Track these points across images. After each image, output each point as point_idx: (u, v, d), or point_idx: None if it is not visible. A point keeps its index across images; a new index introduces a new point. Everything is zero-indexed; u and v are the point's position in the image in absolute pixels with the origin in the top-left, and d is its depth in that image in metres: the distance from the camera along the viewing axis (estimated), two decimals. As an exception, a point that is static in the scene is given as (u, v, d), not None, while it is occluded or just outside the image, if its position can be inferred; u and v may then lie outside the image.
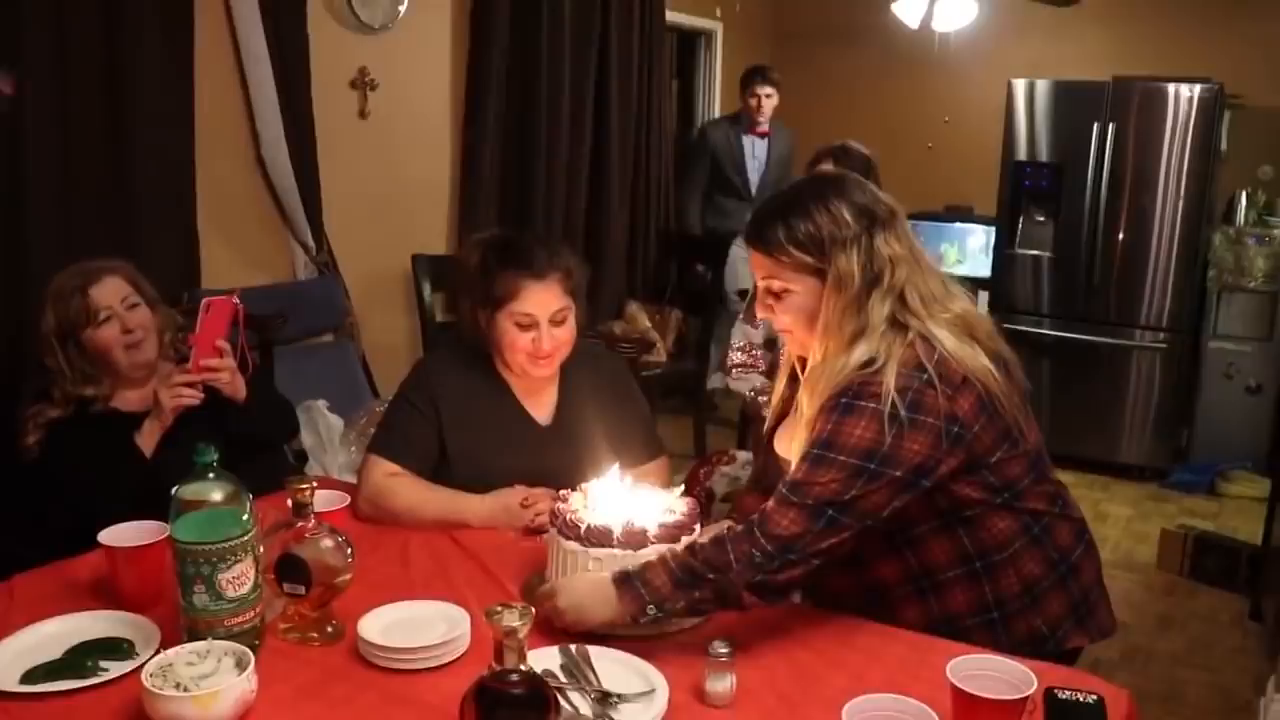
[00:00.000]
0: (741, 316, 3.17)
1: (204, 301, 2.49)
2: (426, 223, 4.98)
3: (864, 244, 1.82)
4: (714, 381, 5.70)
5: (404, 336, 4.87)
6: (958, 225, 6.72)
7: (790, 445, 1.93)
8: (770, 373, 3.08)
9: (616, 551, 1.83)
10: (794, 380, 2.07)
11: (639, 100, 5.92)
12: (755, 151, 6.29)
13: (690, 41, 7.06)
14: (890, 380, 1.75)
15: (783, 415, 2.12)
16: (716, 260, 5.87)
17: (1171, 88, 5.39)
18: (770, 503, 1.77)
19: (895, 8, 5.75)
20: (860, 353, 1.80)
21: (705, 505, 3.56)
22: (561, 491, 2.05)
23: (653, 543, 1.85)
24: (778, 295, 1.89)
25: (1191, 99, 5.35)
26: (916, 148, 6.86)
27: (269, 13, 3.94)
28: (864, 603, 1.95)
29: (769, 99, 6.09)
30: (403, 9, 4.59)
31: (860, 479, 1.73)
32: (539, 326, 2.34)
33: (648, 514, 1.92)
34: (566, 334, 2.39)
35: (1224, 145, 5.71)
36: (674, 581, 1.74)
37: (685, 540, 1.87)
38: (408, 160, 4.82)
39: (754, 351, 3.10)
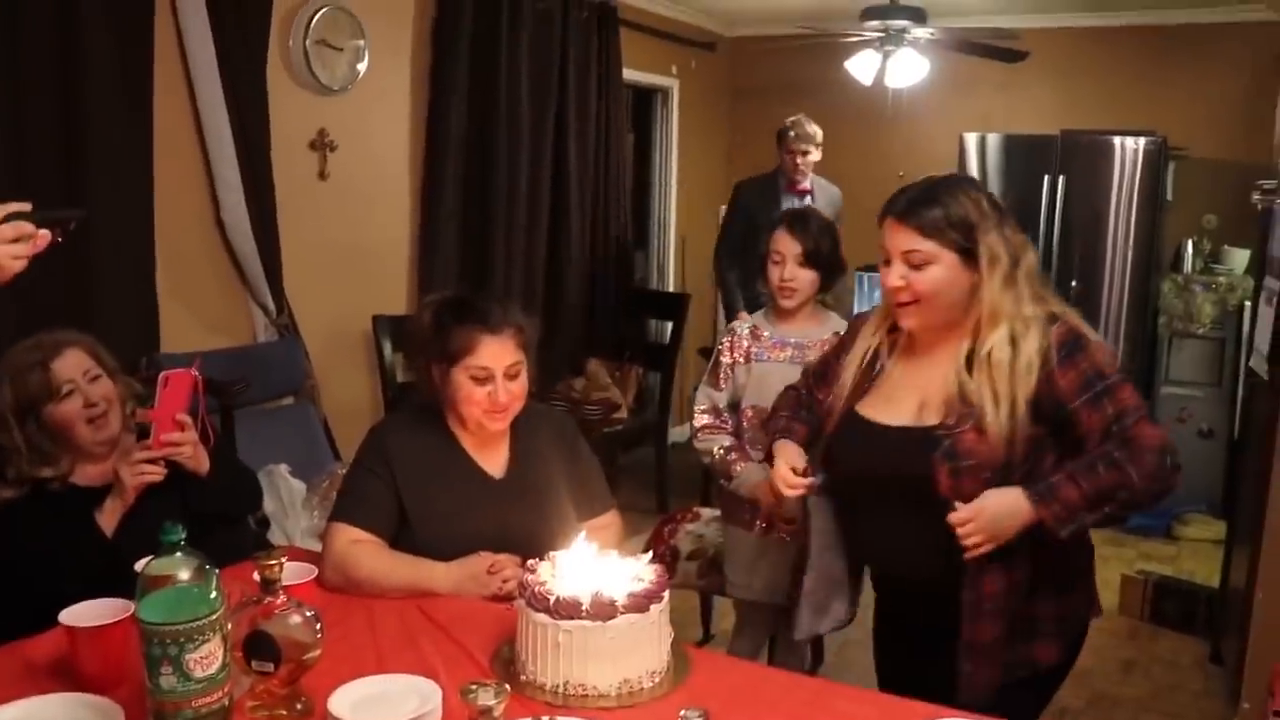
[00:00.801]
0: (705, 380, 3.18)
1: (162, 375, 2.46)
2: (387, 283, 4.99)
3: (999, 226, 2.09)
4: (676, 435, 5.72)
5: (365, 398, 4.85)
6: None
7: (885, 408, 2.19)
8: (737, 433, 3.08)
9: (586, 623, 1.83)
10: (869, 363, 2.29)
11: (597, 157, 5.97)
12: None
13: (647, 98, 7.14)
14: (1078, 323, 2.09)
15: (857, 387, 2.27)
16: (675, 315, 5.92)
17: (1118, 140, 5.52)
18: (1126, 427, 2.00)
19: (849, 65, 5.84)
20: (1033, 311, 2.07)
21: (671, 563, 3.57)
22: (529, 561, 2.05)
23: (622, 613, 1.85)
24: (917, 267, 2.10)
25: (1137, 151, 5.48)
26: (872, 201, 6.91)
27: (228, 75, 3.94)
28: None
29: (806, 156, 5.44)
30: (362, 70, 4.61)
31: (1130, 381, 2.06)
32: (495, 379, 2.38)
33: (616, 583, 1.92)
34: (520, 388, 2.44)
35: (1169, 195, 5.85)
36: (1085, 498, 1.97)
37: (656, 609, 1.88)
38: (368, 221, 4.83)
39: (721, 414, 3.11)
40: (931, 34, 5.68)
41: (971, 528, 2.00)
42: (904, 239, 2.10)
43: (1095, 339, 2.08)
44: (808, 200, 5.44)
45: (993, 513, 2.00)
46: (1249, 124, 5.94)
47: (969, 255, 2.08)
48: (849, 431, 2.23)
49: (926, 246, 2.08)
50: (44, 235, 1.89)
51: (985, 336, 2.07)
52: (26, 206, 1.88)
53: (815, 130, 5.45)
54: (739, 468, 3.01)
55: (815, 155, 5.44)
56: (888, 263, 2.15)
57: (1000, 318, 2.06)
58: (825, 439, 2.29)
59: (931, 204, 2.09)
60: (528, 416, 2.52)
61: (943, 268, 2.08)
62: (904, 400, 2.16)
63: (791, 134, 5.44)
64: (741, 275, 5.52)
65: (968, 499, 2.02)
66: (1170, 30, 6.30)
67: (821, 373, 2.45)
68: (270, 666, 1.73)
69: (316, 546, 3.07)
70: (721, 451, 3.04)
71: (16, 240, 1.85)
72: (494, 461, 2.51)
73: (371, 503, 2.42)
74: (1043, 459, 2.08)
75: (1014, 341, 2.05)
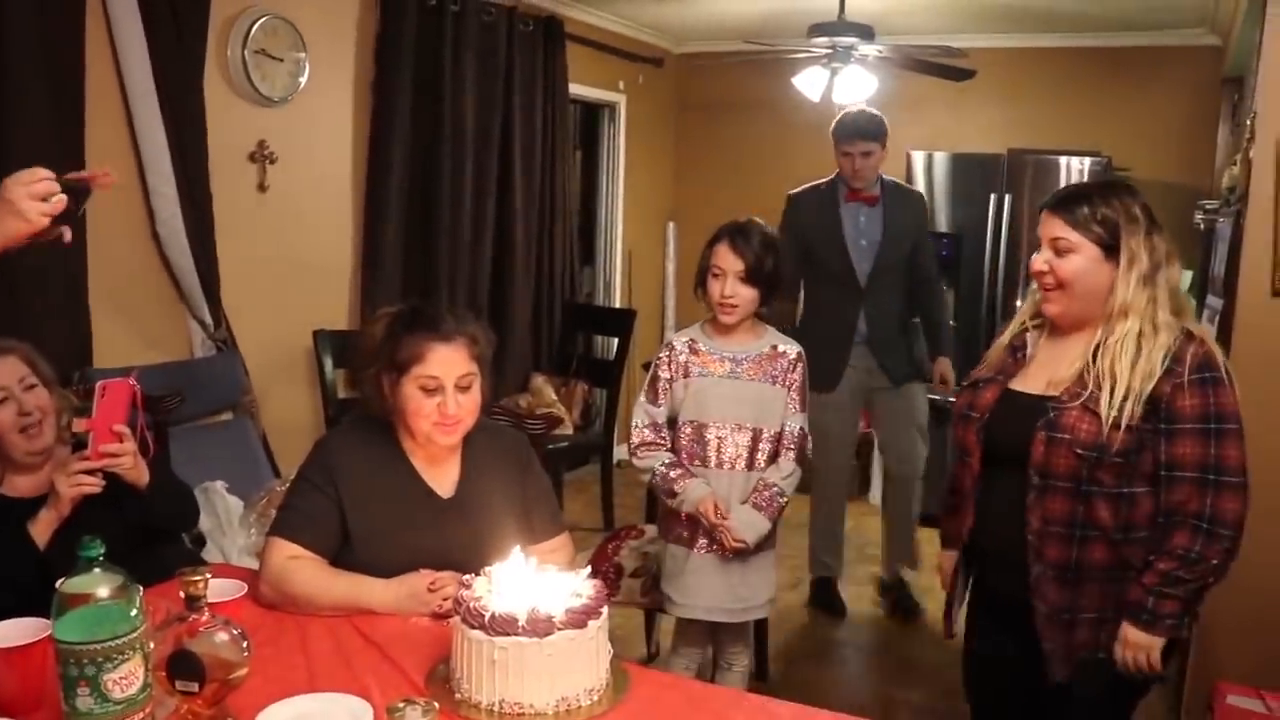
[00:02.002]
0: (644, 396, 3.13)
1: (99, 385, 2.41)
2: (328, 298, 4.92)
3: (1149, 234, 2.24)
4: (622, 452, 5.66)
5: (306, 413, 4.78)
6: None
7: (1021, 383, 2.37)
8: (675, 449, 3.05)
9: (523, 640, 1.79)
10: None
11: (543, 173, 5.94)
12: (861, 224, 4.56)
13: (594, 114, 7.12)
14: (1216, 349, 2.22)
15: (1003, 367, 2.44)
16: (621, 330, 5.88)
17: (1064, 160, 5.57)
18: (1204, 496, 2.16)
19: (796, 81, 5.84)
20: (1165, 317, 2.22)
21: (614, 580, 3.53)
22: (465, 577, 2.00)
23: (559, 629, 1.80)
24: (1061, 254, 2.28)
25: (1083, 171, 5.52)
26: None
27: (164, 84, 3.87)
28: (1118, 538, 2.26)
29: (867, 157, 4.45)
30: (303, 81, 4.56)
31: (1243, 438, 2.19)
32: (445, 390, 2.31)
33: (553, 599, 1.88)
34: (472, 401, 2.36)
35: (1113, 215, 5.89)
36: (1184, 604, 2.19)
37: (594, 625, 1.84)
38: (309, 234, 4.77)
39: (660, 430, 3.07)
40: (879, 51, 5.69)
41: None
42: (1053, 228, 2.30)
43: (1229, 377, 2.20)
44: (877, 212, 4.53)
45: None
46: (1191, 146, 6.03)
47: (1110, 251, 2.25)
48: (999, 406, 2.39)
49: (1071, 236, 2.27)
50: (61, 199, 1.93)
51: (1113, 327, 2.23)
52: (50, 174, 1.95)
53: (872, 122, 4.47)
54: (681, 485, 2.97)
55: (878, 155, 4.47)
56: (1039, 249, 2.34)
57: (1129, 313, 2.22)
58: (982, 420, 2.40)
59: (1083, 200, 2.28)
60: (481, 433, 2.46)
61: (1083, 258, 2.26)
62: (1038, 376, 2.36)
63: (841, 134, 4.51)
64: (797, 301, 4.77)
65: (1056, 472, 2.22)
66: (1115, 53, 6.37)
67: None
68: (195, 686, 1.68)
69: (254, 564, 3.00)
70: (663, 469, 3.00)
71: (45, 199, 1.91)
72: (443, 479, 2.44)
73: (312, 519, 2.35)
74: (1143, 457, 2.21)
75: (1140, 338, 2.20)
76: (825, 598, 4.85)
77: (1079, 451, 2.19)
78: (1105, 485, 2.21)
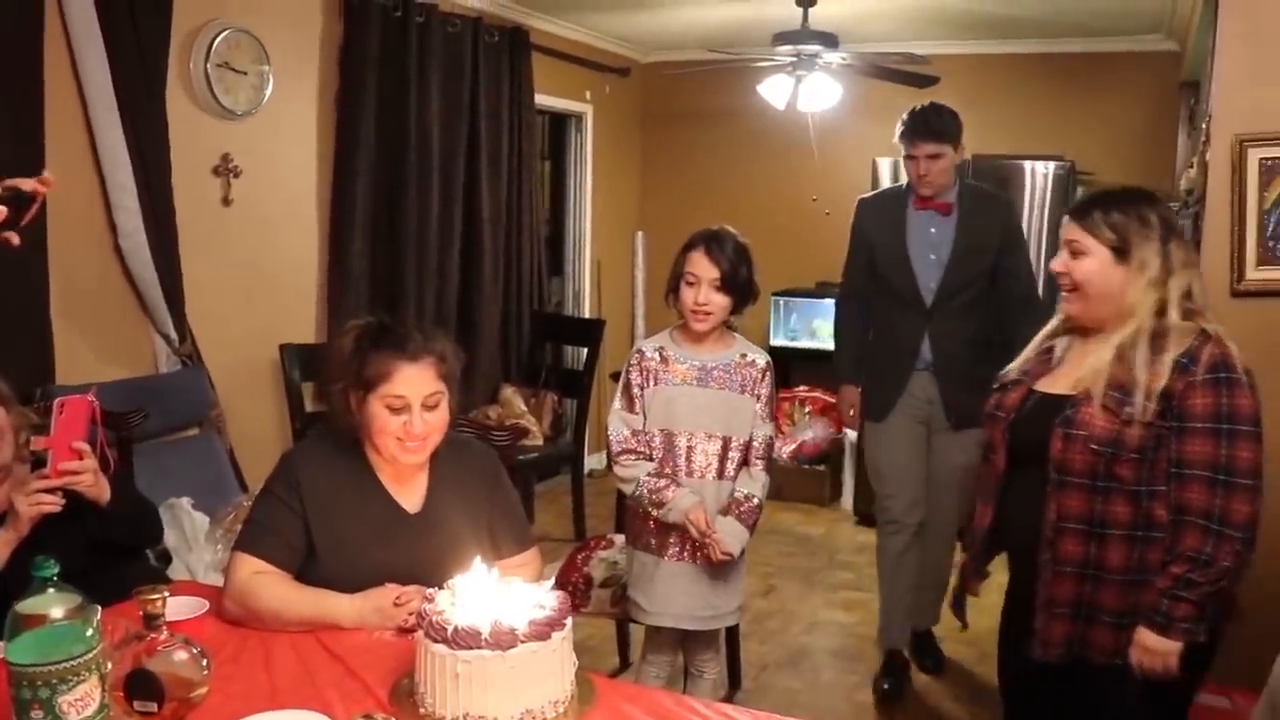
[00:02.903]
0: (618, 404, 3.11)
1: (58, 401, 2.39)
2: (294, 311, 4.90)
3: (1163, 244, 2.30)
4: (593, 462, 5.63)
5: (273, 427, 4.75)
6: (829, 301, 6.80)
7: (1067, 382, 2.38)
8: (651, 457, 3.03)
9: (486, 653, 1.78)
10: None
11: (510, 182, 5.94)
12: (931, 236, 3.97)
13: (561, 123, 7.12)
14: (1234, 350, 2.24)
15: (1032, 370, 2.50)
16: (590, 341, 5.88)
17: (1028, 164, 5.61)
18: (1213, 496, 2.19)
19: (761, 89, 5.87)
20: (1177, 318, 2.27)
21: (584, 591, 3.52)
22: (428, 590, 1.99)
23: (522, 641, 1.80)
24: (1075, 255, 2.37)
25: (1046, 175, 5.57)
26: (786, 226, 6.96)
27: (124, 99, 3.84)
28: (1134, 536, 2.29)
29: (934, 160, 3.86)
30: (267, 94, 4.54)
31: (1258, 441, 2.21)
32: (411, 409, 2.30)
33: (516, 611, 1.87)
34: (438, 419, 2.35)
35: (1078, 218, 5.93)
36: (1198, 608, 2.19)
37: (558, 636, 1.84)
38: (274, 248, 4.75)
39: (639, 438, 3.05)
40: (843, 59, 5.72)
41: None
42: (1070, 231, 2.40)
43: (1246, 380, 2.24)
44: (950, 222, 3.95)
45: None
46: (1152, 149, 6.11)
47: (1121, 255, 2.32)
48: (1024, 405, 2.45)
49: (1084, 240, 2.35)
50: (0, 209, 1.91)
51: (1121, 328, 2.30)
52: None
53: (939, 120, 3.90)
54: (669, 495, 2.95)
55: (948, 158, 3.88)
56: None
57: (1133, 316, 2.29)
58: (1008, 419, 2.47)
59: (1097, 205, 2.37)
60: (450, 448, 2.45)
61: (1095, 260, 2.34)
62: (1064, 377, 2.41)
63: (901, 131, 3.96)
64: (861, 327, 4.22)
65: (1072, 468, 2.28)
66: (1075, 58, 6.44)
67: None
68: (153, 706, 1.67)
69: (220, 581, 2.99)
70: (649, 478, 2.98)
71: None
72: (410, 494, 2.43)
73: (277, 533, 2.34)
74: (1160, 456, 2.25)
75: (1152, 340, 2.26)
76: (896, 672, 4.14)
77: (1094, 447, 2.25)
78: (1125, 482, 2.26)
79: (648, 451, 3.04)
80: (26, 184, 2.08)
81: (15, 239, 2.00)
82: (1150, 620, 2.24)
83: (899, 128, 3.94)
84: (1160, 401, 2.22)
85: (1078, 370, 2.37)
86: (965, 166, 5.32)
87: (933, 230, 3.94)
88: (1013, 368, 2.56)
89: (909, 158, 3.90)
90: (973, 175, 5.63)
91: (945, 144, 3.85)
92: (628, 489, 3.04)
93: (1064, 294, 2.44)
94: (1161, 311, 2.28)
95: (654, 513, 2.99)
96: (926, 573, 4.20)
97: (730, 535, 2.97)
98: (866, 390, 4.17)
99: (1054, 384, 2.42)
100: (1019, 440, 2.43)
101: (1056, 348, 2.50)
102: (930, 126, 3.85)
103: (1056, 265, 2.43)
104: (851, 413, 4.30)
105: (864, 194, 4.37)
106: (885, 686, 4.04)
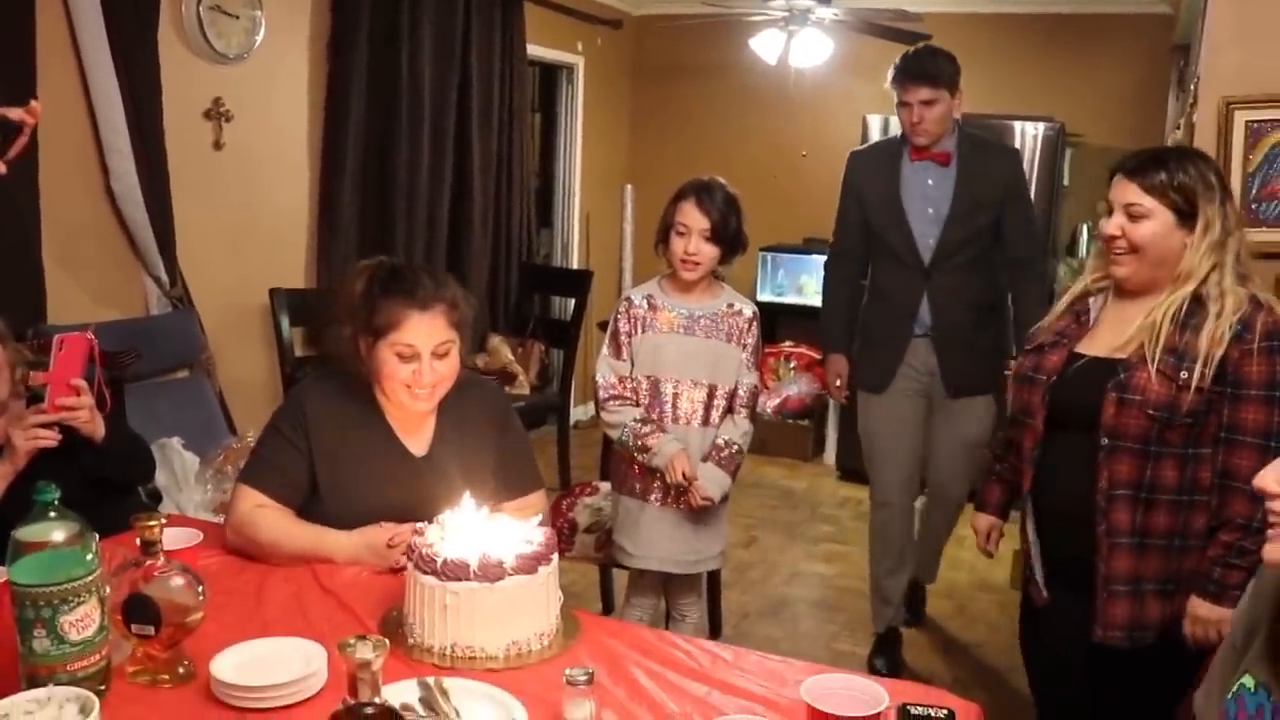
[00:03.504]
0: (606, 351, 3.15)
1: (57, 338, 2.42)
2: (285, 256, 4.91)
3: (1222, 203, 2.25)
4: (579, 413, 5.66)
5: (262, 371, 4.78)
6: (816, 257, 6.84)
7: (1108, 344, 2.33)
8: (637, 403, 3.07)
9: (474, 585, 1.83)
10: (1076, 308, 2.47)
11: (500, 133, 5.94)
12: (928, 189, 3.74)
13: (552, 75, 7.11)
14: None
15: (1065, 329, 2.44)
16: (578, 292, 5.91)
17: (1018, 125, 5.63)
18: (1264, 462, 1.97)
19: (753, 43, 5.88)
20: (1231, 283, 2.22)
21: (569, 536, 3.57)
22: (418, 525, 2.03)
23: (510, 574, 1.85)
24: (1135, 219, 2.27)
25: (1036, 136, 5.59)
26: (775, 181, 6.99)
27: (117, 41, 3.84)
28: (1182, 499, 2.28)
29: (929, 107, 3.62)
30: (259, 39, 4.53)
31: None
32: (420, 358, 2.31)
33: (504, 545, 1.92)
34: (448, 367, 2.36)
35: (1066, 180, 5.98)
36: (1251, 575, 1.98)
37: (545, 571, 1.89)
38: (265, 192, 4.76)
39: (626, 384, 3.09)
40: (835, 15, 5.73)
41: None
42: (1128, 193, 2.29)
43: None
44: (949, 173, 3.71)
45: None
46: (1143, 112, 6.12)
47: (1184, 218, 2.25)
48: (1066, 369, 2.38)
49: (1146, 202, 2.26)
50: None
51: (1178, 290, 2.25)
52: None
53: (934, 63, 3.66)
54: (654, 440, 3.00)
55: (945, 104, 3.64)
56: (1110, 213, 2.34)
57: (1193, 278, 2.24)
58: (1048, 382, 2.39)
59: (1160, 166, 2.27)
60: (461, 390, 2.45)
61: (1157, 223, 2.26)
62: (1104, 339, 2.36)
63: (893, 75, 3.71)
64: (850, 290, 3.99)
65: (1126, 433, 2.23)
66: (1068, 19, 6.44)
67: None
68: (150, 630, 1.71)
69: (211, 520, 3.04)
70: (635, 424, 3.02)
71: None
72: (418, 437, 2.45)
73: (282, 469, 2.37)
74: (1209, 420, 2.23)
75: (1206, 303, 2.22)
76: (890, 650, 4.00)
77: (1150, 412, 2.21)
78: (1174, 446, 2.23)
79: (634, 398, 3.08)
80: (14, 113, 2.09)
81: (2, 168, 2.01)
82: (1203, 589, 2.21)
83: (890, 72, 3.72)
84: (1215, 369, 2.19)
85: (1120, 332, 2.32)
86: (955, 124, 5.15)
87: (930, 182, 3.72)
88: (1043, 327, 2.49)
89: (902, 104, 3.66)
90: (962, 134, 5.66)
91: (941, 88, 3.62)
92: (614, 434, 3.08)
93: (1115, 256, 2.33)
94: (1210, 274, 2.23)
95: (639, 457, 3.04)
96: (930, 537, 4.16)
97: (711, 481, 3.02)
98: (860, 358, 3.95)
99: (1092, 346, 2.37)
100: (1062, 404, 2.35)
101: (1091, 308, 2.44)
102: (925, 69, 3.63)
103: (1110, 228, 2.32)
104: (839, 383, 4.02)
105: (855, 147, 4.21)
106: (878, 665, 3.90)
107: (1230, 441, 2.21)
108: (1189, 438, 2.23)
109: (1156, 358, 2.21)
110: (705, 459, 3.06)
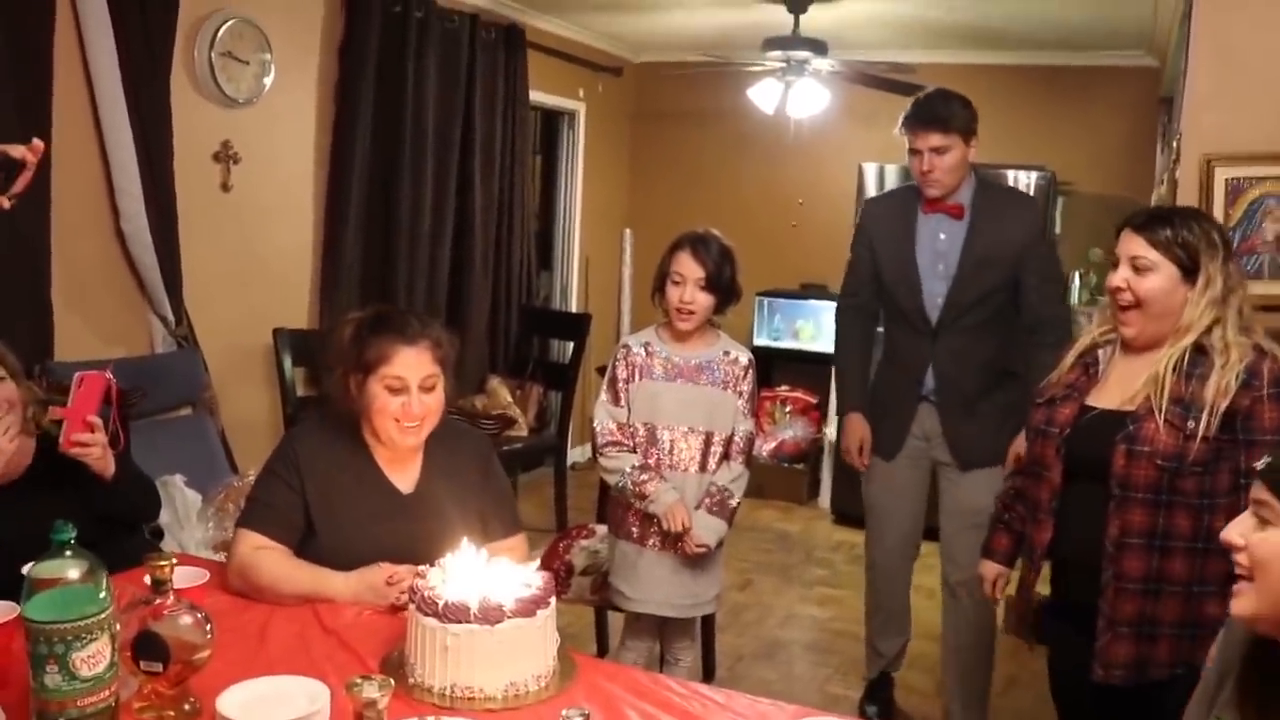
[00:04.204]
0: (604, 396, 3.20)
1: (77, 376, 2.49)
2: (289, 297, 4.98)
3: (1224, 261, 2.31)
4: (576, 455, 5.69)
5: (265, 410, 4.83)
6: (812, 303, 6.95)
7: (1118, 396, 2.36)
8: (635, 449, 3.12)
9: (474, 627, 1.88)
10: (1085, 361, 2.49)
11: (502, 176, 6.02)
12: (940, 243, 3.51)
13: (554, 120, 7.20)
14: None
15: (1074, 382, 2.47)
16: (577, 335, 5.97)
17: (1010, 174, 5.70)
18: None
19: (751, 93, 5.96)
20: (1235, 335, 2.26)
21: (565, 578, 3.62)
22: (420, 568, 2.09)
23: (509, 617, 1.90)
24: (1140, 271, 2.33)
25: (1029, 185, 5.67)
26: (772, 227, 7.07)
27: (130, 84, 3.92)
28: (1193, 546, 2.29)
29: (940, 155, 3.39)
30: (268, 83, 4.62)
31: None
32: (409, 390, 2.40)
33: (504, 588, 1.97)
34: (435, 402, 2.46)
35: (1058, 228, 6.06)
36: None
37: (543, 614, 1.94)
38: (270, 234, 4.83)
39: (625, 430, 3.14)
40: (832, 65, 5.81)
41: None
42: (1134, 246, 2.35)
43: None
44: (961, 227, 3.47)
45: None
46: (1131, 162, 6.21)
47: (1188, 273, 2.31)
48: (1078, 421, 2.42)
49: (1152, 255, 2.32)
50: None
51: (1178, 342, 2.30)
52: None
53: (946, 107, 3.42)
54: (651, 489, 3.05)
55: (958, 151, 3.39)
56: (1115, 266, 2.39)
57: (1192, 330, 2.29)
58: (1061, 435, 2.43)
59: (1166, 223, 2.34)
60: (444, 433, 2.55)
61: (1161, 277, 2.32)
62: (1114, 391, 2.40)
63: (904, 120, 3.49)
64: (864, 345, 3.75)
65: (1136, 483, 2.27)
66: (1059, 71, 6.55)
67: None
68: (159, 666, 1.75)
69: (212, 558, 3.08)
70: (633, 471, 3.08)
71: None
72: (405, 476, 2.54)
73: (278, 511, 2.45)
74: (1220, 468, 2.27)
75: (1210, 354, 2.27)
76: (881, 696, 3.95)
77: (1159, 463, 2.25)
78: (1187, 495, 2.27)
79: (632, 444, 3.14)
80: (16, 150, 2.17)
81: (5, 203, 2.09)
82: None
83: (902, 117, 3.49)
84: (1222, 416, 2.23)
85: (1129, 385, 2.36)
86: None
87: (942, 236, 3.48)
88: (1053, 380, 2.52)
89: (912, 152, 3.43)
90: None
91: (953, 134, 3.38)
92: (612, 480, 3.13)
93: (1120, 312, 2.38)
94: (1213, 327, 2.29)
95: (637, 504, 3.09)
96: (960, 669, 3.75)
97: (707, 529, 3.07)
98: (873, 426, 3.69)
99: (1102, 398, 2.41)
100: (1075, 456, 2.40)
101: (1100, 359, 2.48)
102: (936, 113, 3.39)
103: (1116, 280, 2.37)
104: (860, 449, 3.72)
105: (871, 195, 4.00)
106: (870, 711, 3.87)
107: (1249, 488, 2.22)
108: (1202, 487, 2.27)
109: (1163, 409, 2.26)
110: (699, 506, 3.11)
